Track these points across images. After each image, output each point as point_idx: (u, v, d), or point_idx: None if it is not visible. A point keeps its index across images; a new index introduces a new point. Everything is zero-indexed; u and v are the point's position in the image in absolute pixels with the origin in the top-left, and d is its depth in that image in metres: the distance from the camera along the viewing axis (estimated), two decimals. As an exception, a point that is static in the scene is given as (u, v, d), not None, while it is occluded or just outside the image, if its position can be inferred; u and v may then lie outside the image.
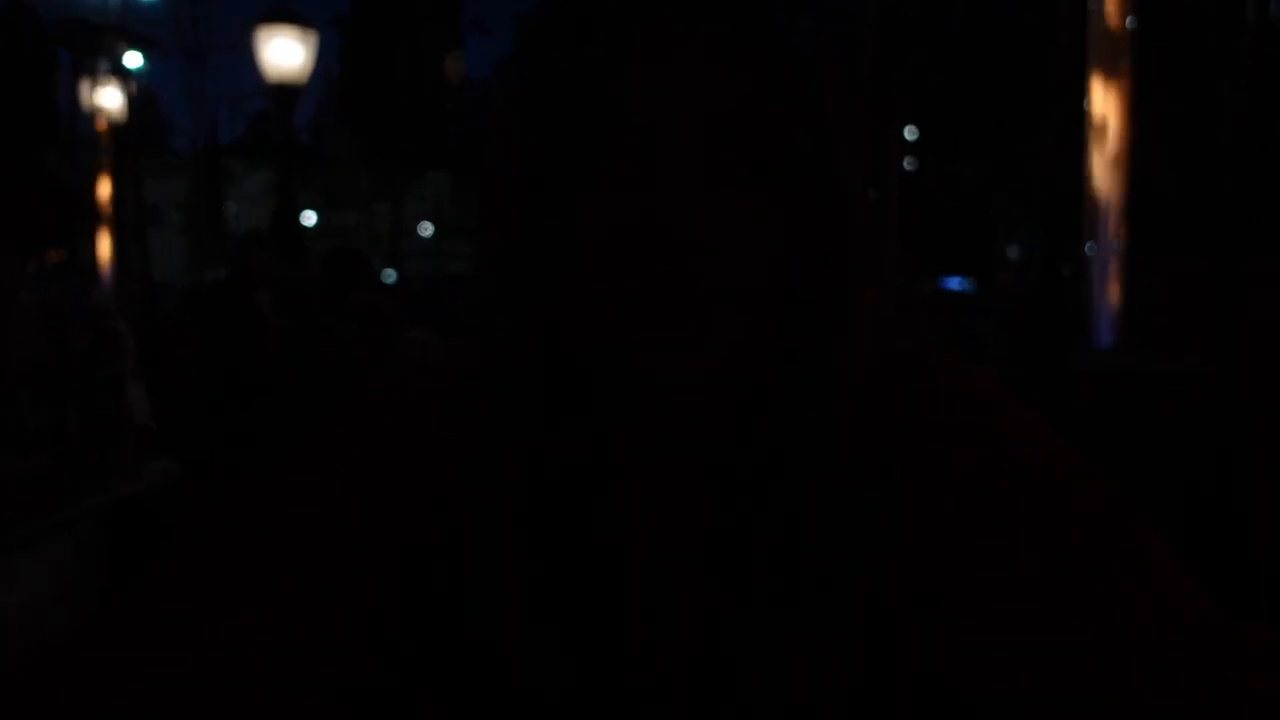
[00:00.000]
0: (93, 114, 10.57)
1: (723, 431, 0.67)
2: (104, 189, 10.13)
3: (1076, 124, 4.46)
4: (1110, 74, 4.28)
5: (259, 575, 0.64)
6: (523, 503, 0.65)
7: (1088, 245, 4.32)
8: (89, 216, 9.52)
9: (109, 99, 10.68)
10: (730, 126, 0.62)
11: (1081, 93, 4.36)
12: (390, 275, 21.05)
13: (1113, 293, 4.25)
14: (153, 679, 0.60)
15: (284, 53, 8.21)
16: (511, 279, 0.67)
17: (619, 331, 0.62)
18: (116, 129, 11.02)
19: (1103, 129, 4.29)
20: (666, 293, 0.61)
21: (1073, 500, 0.63)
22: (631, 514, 0.68)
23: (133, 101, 12.02)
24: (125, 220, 12.11)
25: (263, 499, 0.68)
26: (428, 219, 33.39)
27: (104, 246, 9.89)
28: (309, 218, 29.41)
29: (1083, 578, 0.60)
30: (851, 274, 0.65)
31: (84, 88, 10.90)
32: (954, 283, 17.20)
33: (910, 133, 17.69)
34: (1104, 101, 4.28)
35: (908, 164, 17.74)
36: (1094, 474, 0.66)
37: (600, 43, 0.64)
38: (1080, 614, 0.59)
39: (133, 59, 12.87)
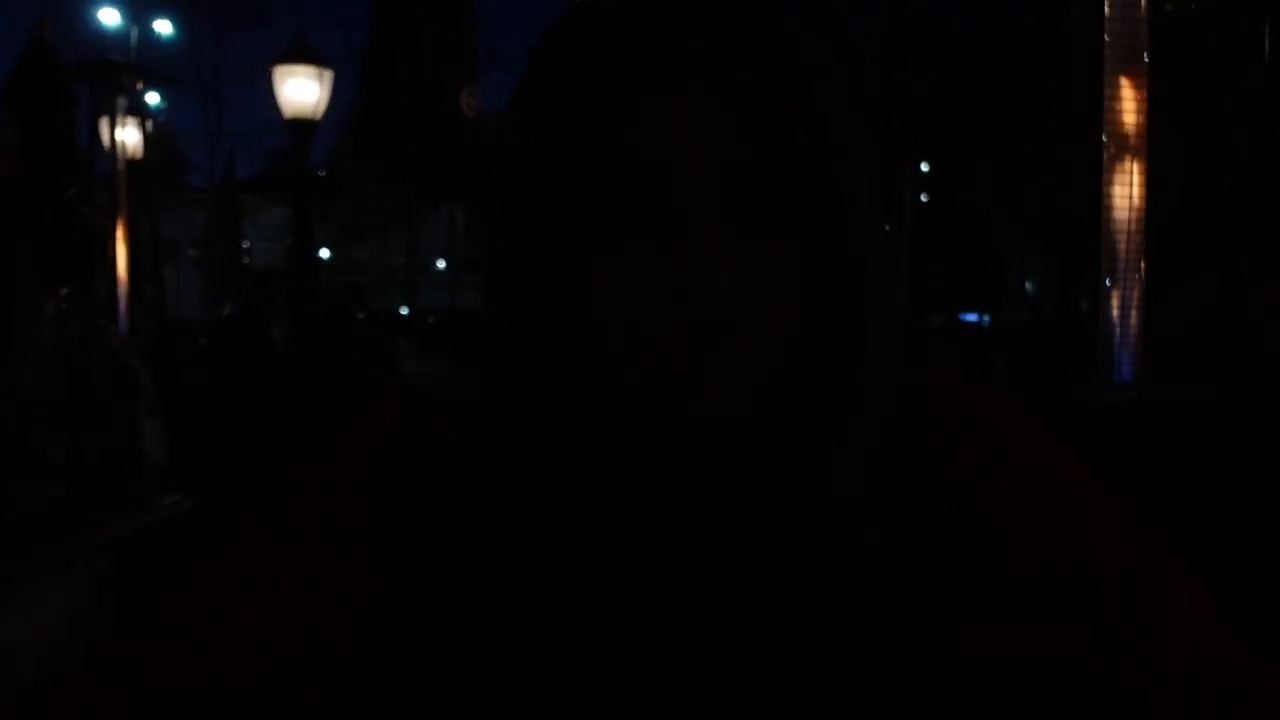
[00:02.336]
0: (111, 150, 10.68)
1: (746, 474, 0.65)
2: (121, 225, 10.22)
3: (1093, 156, 4.45)
4: (1126, 106, 4.28)
5: (258, 575, 0.63)
6: (522, 506, 0.64)
7: (1105, 277, 4.31)
8: (107, 252, 9.61)
9: (127, 136, 10.79)
10: (747, 169, 0.60)
11: (1098, 125, 4.36)
12: (405, 310, 21.13)
13: (1131, 325, 4.23)
14: (152, 679, 0.59)
15: (300, 89, 8.32)
16: (522, 333, 0.64)
17: (642, 387, 0.61)
18: (134, 165, 11.14)
19: (1119, 161, 4.28)
20: (692, 348, 0.59)
21: (1074, 501, 0.63)
22: (653, 567, 0.66)
23: (150, 138, 12.16)
24: (142, 256, 12.21)
25: (264, 501, 0.68)
26: (443, 253, 33.57)
27: (120, 282, 9.96)
28: (323, 252, 29.59)
29: (1083, 577, 0.60)
30: (871, 312, 0.64)
31: (103, 124, 11.02)
32: (968, 316, 17.18)
33: (923, 166, 17.74)
34: (1120, 133, 4.28)
35: (922, 197, 17.78)
36: (1096, 480, 0.65)
37: (606, 85, 0.60)
38: (1080, 614, 0.59)
39: (151, 96, 13.04)
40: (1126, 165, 4.28)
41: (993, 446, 0.65)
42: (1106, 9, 4.34)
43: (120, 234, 9.92)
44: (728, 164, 0.60)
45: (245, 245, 31.52)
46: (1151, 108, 4.27)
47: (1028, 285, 21.36)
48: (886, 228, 0.73)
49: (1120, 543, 0.62)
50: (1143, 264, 4.27)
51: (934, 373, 0.71)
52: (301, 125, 8.42)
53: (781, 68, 0.60)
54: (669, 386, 0.60)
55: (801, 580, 0.63)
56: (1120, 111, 4.27)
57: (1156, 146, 4.32)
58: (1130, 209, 4.27)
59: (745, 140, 0.60)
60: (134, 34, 13.65)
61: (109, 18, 17.20)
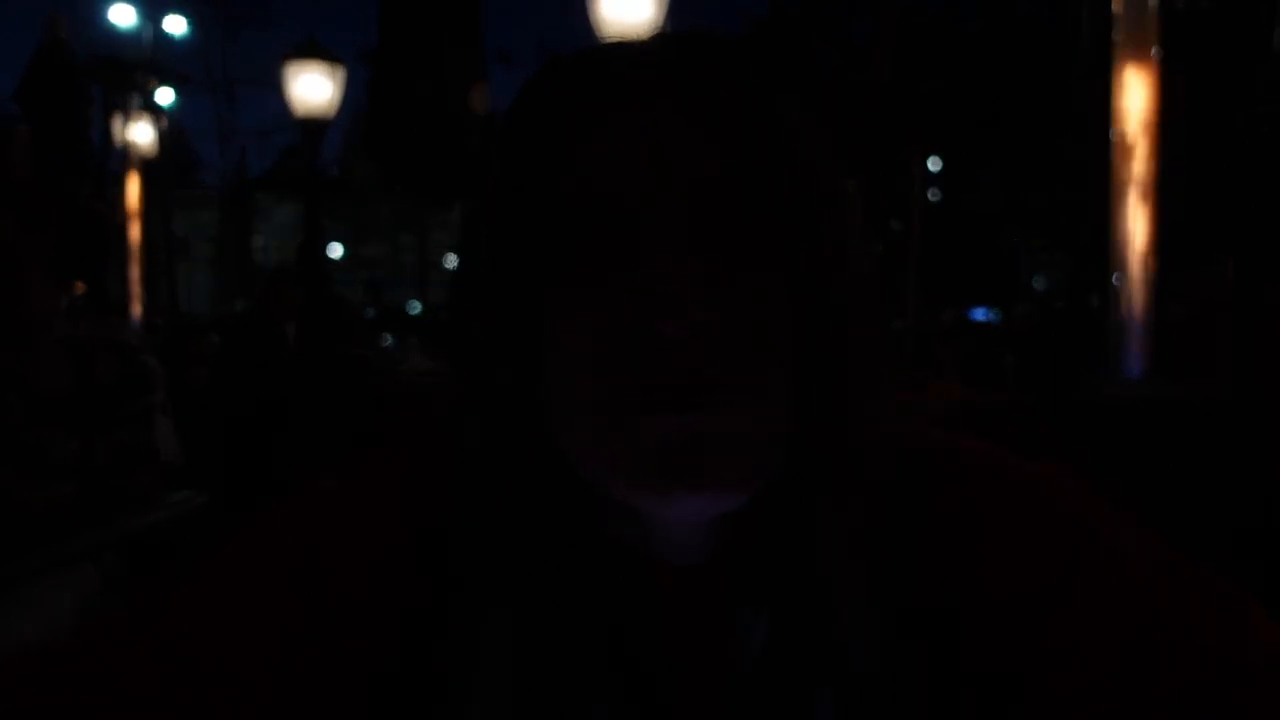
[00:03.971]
0: (124, 148, 10.72)
1: (734, 523, 0.62)
2: (134, 222, 10.26)
3: (1102, 152, 4.44)
4: (1136, 103, 4.26)
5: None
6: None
7: (1114, 274, 4.29)
8: (119, 250, 9.64)
9: (140, 134, 10.83)
10: (714, 193, 0.58)
11: (1107, 121, 4.34)
12: (415, 306, 21.15)
13: (1140, 321, 4.22)
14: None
15: (312, 87, 8.32)
16: (489, 385, 0.62)
17: (606, 446, 0.58)
18: (147, 163, 11.18)
19: (1129, 157, 4.27)
20: (664, 381, 0.56)
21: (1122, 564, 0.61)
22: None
23: (163, 136, 12.19)
24: (154, 254, 12.26)
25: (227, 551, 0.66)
26: (453, 250, 33.57)
27: (133, 279, 9.99)
28: (335, 250, 29.65)
29: (1068, 593, 0.59)
30: (854, 341, 0.60)
31: (116, 122, 11.06)
32: (978, 313, 17.11)
33: (933, 164, 17.68)
34: (1130, 130, 4.26)
35: (931, 195, 17.71)
36: (1153, 543, 0.63)
37: (563, 113, 0.60)
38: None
39: (164, 94, 13.08)
40: (1136, 161, 4.26)
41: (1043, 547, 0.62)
42: (1116, 5, 4.32)
43: (133, 232, 9.95)
44: (693, 183, 0.58)
45: (258, 243, 31.60)
46: (1161, 102, 4.26)
47: (1035, 282, 21.27)
48: (895, 223, 0.69)
49: (1099, 545, 0.61)
50: (1152, 260, 4.25)
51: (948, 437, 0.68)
52: (313, 123, 8.43)
53: (752, 106, 0.59)
54: (651, 474, 0.56)
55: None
56: (1129, 106, 4.26)
57: (1166, 141, 4.30)
58: (1139, 205, 4.25)
59: (714, 172, 0.58)
60: (147, 32, 13.69)
61: (122, 16, 17.25)
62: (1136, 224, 4.23)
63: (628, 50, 0.62)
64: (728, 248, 0.57)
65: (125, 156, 10.54)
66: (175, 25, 19.78)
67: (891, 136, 11.70)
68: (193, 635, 0.60)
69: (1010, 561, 0.61)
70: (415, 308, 20.87)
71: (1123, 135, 4.26)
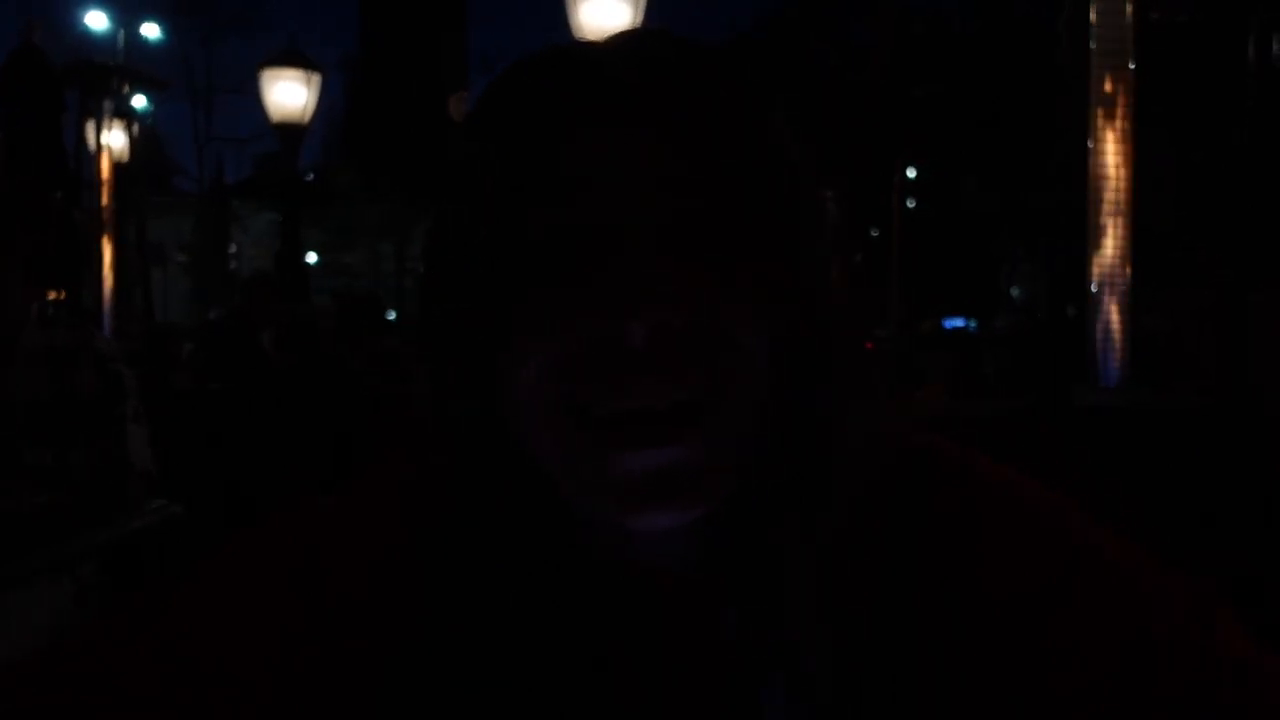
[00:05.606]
0: (98, 154, 10.64)
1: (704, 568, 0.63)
2: (108, 229, 10.17)
3: (1080, 162, 4.47)
4: (1113, 111, 4.30)
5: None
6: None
7: (1093, 283, 4.33)
8: (93, 256, 9.56)
9: (114, 139, 10.75)
10: (683, 200, 0.57)
11: (1084, 130, 4.38)
12: (392, 314, 21.07)
13: (1118, 330, 4.25)
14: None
15: (288, 93, 8.31)
16: (456, 397, 0.63)
17: (573, 464, 0.58)
18: (121, 169, 11.09)
19: (1106, 166, 4.30)
20: (625, 415, 0.55)
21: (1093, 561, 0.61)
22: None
23: (137, 142, 12.10)
24: (128, 261, 12.15)
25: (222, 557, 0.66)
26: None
27: (107, 286, 9.91)
28: (313, 257, 29.52)
29: (1068, 594, 0.59)
30: (838, 345, 0.61)
31: (90, 128, 10.97)
32: (956, 321, 17.21)
33: (911, 173, 17.79)
34: (1107, 139, 4.30)
35: (910, 203, 17.82)
36: (1073, 507, 0.64)
37: (531, 121, 0.58)
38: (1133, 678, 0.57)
39: (138, 100, 12.98)
40: (1114, 171, 4.30)
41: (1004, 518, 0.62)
42: (1093, 16, 4.36)
43: (107, 238, 9.87)
44: (670, 211, 0.57)
45: (233, 250, 31.45)
46: (1138, 113, 4.30)
47: (1014, 291, 21.42)
48: (873, 230, 0.70)
49: (1096, 549, 0.61)
50: (1130, 270, 4.29)
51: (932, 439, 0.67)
52: (289, 129, 8.42)
53: (721, 111, 0.59)
54: (619, 494, 0.56)
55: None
56: (1107, 117, 4.30)
57: (1144, 153, 4.34)
58: (1118, 215, 4.29)
59: (683, 177, 0.58)
60: (121, 37, 13.60)
61: (96, 21, 17.13)
62: (1114, 231, 4.27)
63: (596, 53, 0.61)
64: (698, 254, 0.57)
65: (99, 163, 10.46)
66: (151, 31, 19.68)
67: (886, 139, 11.77)
68: (193, 635, 0.60)
69: (1010, 561, 0.61)
70: (392, 315, 20.77)
71: (1099, 142, 4.30)
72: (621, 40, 0.62)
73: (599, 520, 0.60)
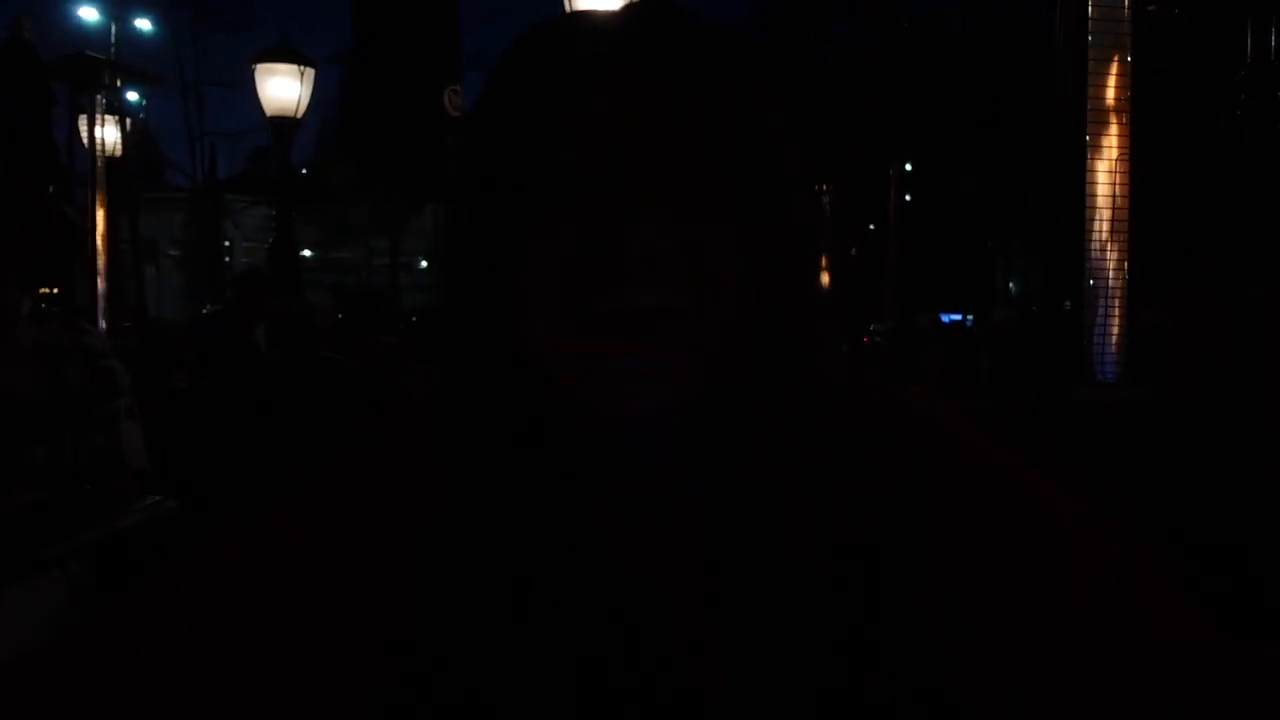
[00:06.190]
0: (90, 149, 10.60)
1: (686, 452, 0.67)
2: (100, 224, 10.14)
3: (1077, 157, 4.46)
4: (1110, 107, 4.30)
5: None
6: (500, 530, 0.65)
7: (1090, 279, 4.33)
8: (86, 252, 9.53)
9: (106, 134, 10.71)
10: (681, 148, 0.63)
11: (1082, 126, 4.37)
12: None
13: (1114, 325, 4.25)
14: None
15: (281, 87, 8.29)
16: (475, 309, 0.68)
17: (575, 356, 0.63)
18: (113, 163, 11.05)
19: (1103, 162, 4.30)
20: (620, 312, 0.62)
21: (1043, 512, 0.64)
22: (606, 538, 0.67)
23: (130, 136, 12.07)
24: (121, 256, 12.12)
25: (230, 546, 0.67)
26: (425, 252, 33.48)
27: (100, 282, 9.88)
28: (307, 253, 29.49)
29: (1068, 594, 0.60)
30: (803, 297, 0.67)
31: (81, 122, 10.93)
32: (953, 316, 17.22)
33: (908, 168, 17.78)
34: (1104, 134, 4.30)
35: (907, 198, 17.80)
36: (1068, 497, 0.66)
37: (550, 78, 0.64)
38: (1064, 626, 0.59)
39: (131, 94, 12.94)
40: (1110, 165, 4.30)
41: (975, 482, 0.65)
42: (1090, 9, 4.35)
43: (99, 233, 9.84)
44: (662, 155, 0.63)
45: (226, 245, 31.38)
46: (1134, 107, 4.29)
47: (1011, 286, 21.44)
48: (816, 215, 0.75)
49: (1092, 547, 0.63)
50: (1126, 265, 4.29)
51: (915, 392, 0.72)
52: (283, 123, 8.40)
53: (716, 75, 0.65)
54: (613, 378, 0.62)
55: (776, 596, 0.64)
56: (1103, 111, 4.29)
57: (1140, 147, 4.33)
58: (1113, 210, 4.29)
59: (680, 132, 0.63)
60: (113, 30, 13.56)
61: (88, 14, 17.08)
62: (1110, 227, 4.27)
63: (607, 21, 0.67)
64: (685, 189, 0.63)
65: (91, 157, 10.43)
66: (143, 24, 19.62)
67: (884, 137, 11.77)
68: (193, 635, 0.61)
69: (1010, 561, 0.62)
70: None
71: (1095, 136, 4.29)
72: (628, 12, 0.68)
73: (594, 411, 0.65)
